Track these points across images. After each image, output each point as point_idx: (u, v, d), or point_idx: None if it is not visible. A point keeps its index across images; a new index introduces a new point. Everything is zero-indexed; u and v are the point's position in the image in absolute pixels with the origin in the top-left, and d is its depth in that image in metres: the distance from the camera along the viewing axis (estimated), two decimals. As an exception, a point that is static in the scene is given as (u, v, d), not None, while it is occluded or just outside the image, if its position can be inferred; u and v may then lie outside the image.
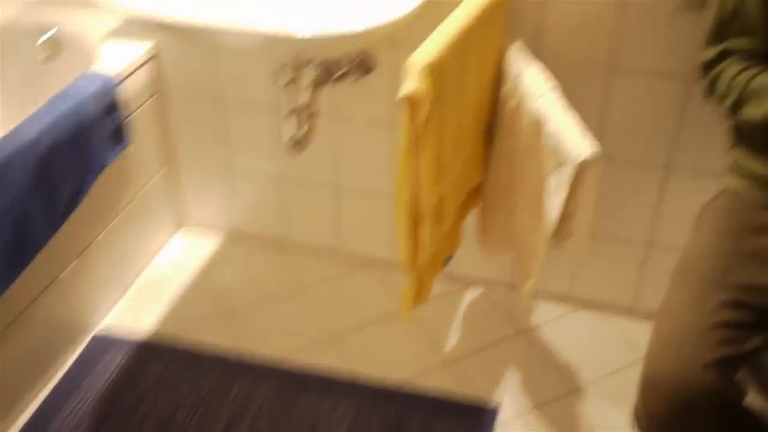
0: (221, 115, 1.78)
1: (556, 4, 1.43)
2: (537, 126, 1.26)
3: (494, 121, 1.44)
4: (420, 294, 1.38)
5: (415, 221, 1.22)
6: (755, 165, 1.22)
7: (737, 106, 1.18)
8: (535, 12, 1.44)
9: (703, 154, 1.51)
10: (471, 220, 1.57)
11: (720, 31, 1.21)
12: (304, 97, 1.56)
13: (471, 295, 1.80)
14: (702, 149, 1.50)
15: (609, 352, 1.65)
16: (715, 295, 1.11)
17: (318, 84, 1.55)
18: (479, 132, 1.42)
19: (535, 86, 1.29)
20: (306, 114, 1.58)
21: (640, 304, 1.73)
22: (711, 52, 1.23)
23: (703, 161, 1.51)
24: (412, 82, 1.07)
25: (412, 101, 1.07)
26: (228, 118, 1.78)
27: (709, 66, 1.24)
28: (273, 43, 1.25)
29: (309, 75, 1.53)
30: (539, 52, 1.46)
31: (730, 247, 1.17)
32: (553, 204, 1.23)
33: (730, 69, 1.20)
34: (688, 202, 1.41)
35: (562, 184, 1.20)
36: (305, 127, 1.60)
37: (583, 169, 1.15)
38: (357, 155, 1.73)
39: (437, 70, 1.11)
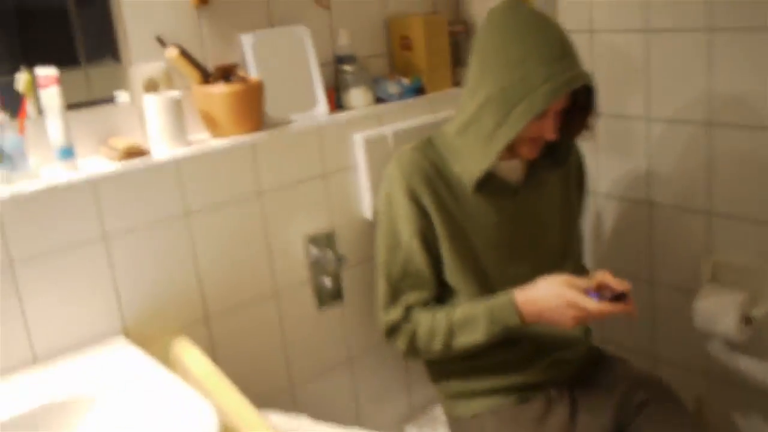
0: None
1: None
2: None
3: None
4: None
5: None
6: (485, 382, 1.34)
7: (448, 341, 1.28)
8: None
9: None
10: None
11: (395, 292, 1.32)
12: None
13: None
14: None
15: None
16: None
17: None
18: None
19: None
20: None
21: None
22: (397, 312, 1.32)
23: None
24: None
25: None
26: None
27: (397, 326, 1.33)
28: None
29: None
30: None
31: None
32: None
33: (423, 318, 1.30)
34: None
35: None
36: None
37: None
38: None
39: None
